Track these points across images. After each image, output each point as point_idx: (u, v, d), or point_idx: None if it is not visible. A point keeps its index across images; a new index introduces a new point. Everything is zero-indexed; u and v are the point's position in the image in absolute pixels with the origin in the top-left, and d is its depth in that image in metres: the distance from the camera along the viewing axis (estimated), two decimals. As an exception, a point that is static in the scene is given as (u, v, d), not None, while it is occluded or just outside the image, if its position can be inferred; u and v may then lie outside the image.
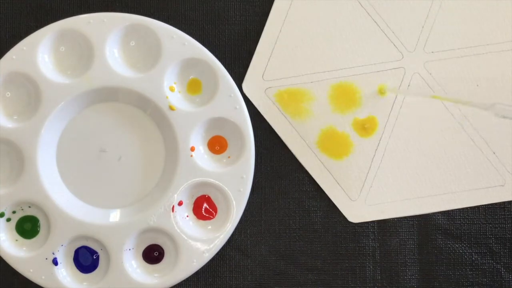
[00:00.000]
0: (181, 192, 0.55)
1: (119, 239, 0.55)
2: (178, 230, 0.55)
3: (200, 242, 0.55)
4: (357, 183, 0.58)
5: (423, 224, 0.58)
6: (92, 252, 0.55)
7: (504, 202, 0.58)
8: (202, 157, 0.56)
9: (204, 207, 0.56)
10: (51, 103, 0.55)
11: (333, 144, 0.58)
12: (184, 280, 0.56)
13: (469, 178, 0.58)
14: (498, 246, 0.58)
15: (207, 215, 0.56)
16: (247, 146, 0.56)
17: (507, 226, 0.58)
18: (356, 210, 0.58)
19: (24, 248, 0.55)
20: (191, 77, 0.57)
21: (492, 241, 0.58)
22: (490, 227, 0.58)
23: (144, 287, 0.55)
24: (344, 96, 0.58)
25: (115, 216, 0.56)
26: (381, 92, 0.58)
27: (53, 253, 0.55)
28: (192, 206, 0.56)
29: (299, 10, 0.58)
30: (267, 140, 0.58)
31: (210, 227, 0.56)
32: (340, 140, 0.58)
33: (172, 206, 0.55)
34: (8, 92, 0.56)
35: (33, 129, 0.55)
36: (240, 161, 0.56)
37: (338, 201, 0.58)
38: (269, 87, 0.58)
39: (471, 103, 0.51)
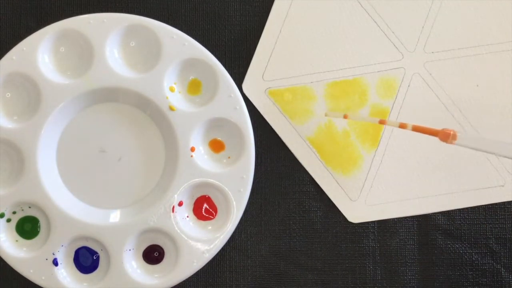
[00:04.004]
0: (181, 192, 0.55)
1: (119, 239, 0.55)
2: (178, 231, 0.55)
3: (200, 243, 0.55)
4: (357, 183, 0.58)
5: (423, 224, 0.58)
6: (92, 252, 0.55)
7: (504, 202, 0.58)
8: (202, 157, 0.56)
9: (204, 208, 0.56)
10: (51, 103, 0.55)
11: (333, 145, 0.58)
12: (184, 280, 0.56)
13: (469, 178, 0.58)
14: (498, 246, 0.58)
15: (207, 215, 0.56)
16: (247, 146, 0.56)
17: (507, 226, 0.58)
18: (356, 210, 0.58)
19: (24, 249, 0.55)
20: (191, 77, 0.57)
21: (492, 241, 0.58)
22: (490, 227, 0.58)
23: (144, 287, 0.55)
24: (344, 96, 0.58)
25: (115, 216, 0.56)
26: (382, 91, 0.58)
27: (53, 254, 0.55)
28: (192, 206, 0.56)
29: (299, 10, 0.58)
30: (267, 140, 0.58)
31: (210, 227, 0.56)
32: (340, 140, 0.58)
33: (172, 207, 0.55)
34: (8, 93, 0.56)
35: (33, 130, 0.55)
36: (240, 161, 0.56)
37: (338, 201, 0.58)
38: (269, 87, 0.58)
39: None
